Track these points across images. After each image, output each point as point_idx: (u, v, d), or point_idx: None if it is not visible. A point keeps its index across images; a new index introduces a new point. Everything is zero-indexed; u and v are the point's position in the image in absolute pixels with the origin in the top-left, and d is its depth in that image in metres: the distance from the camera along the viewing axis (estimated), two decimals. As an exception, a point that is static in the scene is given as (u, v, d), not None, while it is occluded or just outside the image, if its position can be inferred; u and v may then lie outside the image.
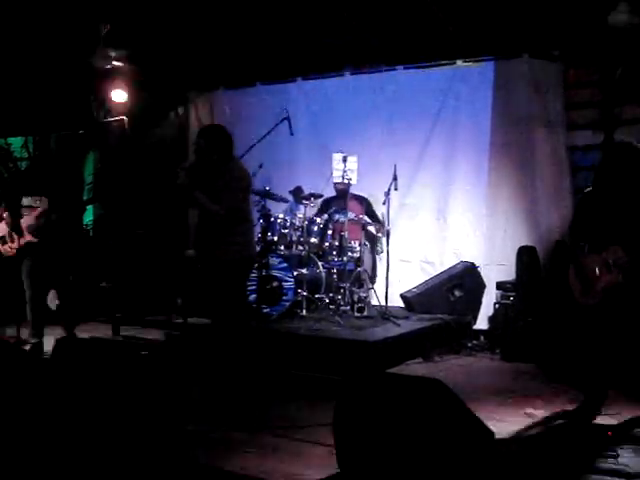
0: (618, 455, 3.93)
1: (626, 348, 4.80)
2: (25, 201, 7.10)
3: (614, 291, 4.61)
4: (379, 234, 8.33)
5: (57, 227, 7.14)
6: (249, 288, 6.46)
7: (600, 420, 4.74)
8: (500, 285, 7.73)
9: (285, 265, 7.43)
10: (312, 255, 7.73)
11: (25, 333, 6.94)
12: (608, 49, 7.75)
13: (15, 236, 6.99)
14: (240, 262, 5.44)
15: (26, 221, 7.02)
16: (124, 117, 9.88)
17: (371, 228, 8.39)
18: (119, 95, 9.56)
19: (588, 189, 4.94)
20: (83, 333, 7.54)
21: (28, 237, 7.00)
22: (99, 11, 8.12)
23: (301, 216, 7.85)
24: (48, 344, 6.02)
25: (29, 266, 7.04)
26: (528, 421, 4.84)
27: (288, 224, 7.78)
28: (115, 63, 8.97)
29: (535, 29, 7.96)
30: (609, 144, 5.76)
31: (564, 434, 4.57)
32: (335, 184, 8.29)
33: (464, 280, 8.00)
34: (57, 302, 7.72)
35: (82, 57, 8.80)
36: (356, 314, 7.54)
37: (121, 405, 3.81)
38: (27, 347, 6.76)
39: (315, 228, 7.83)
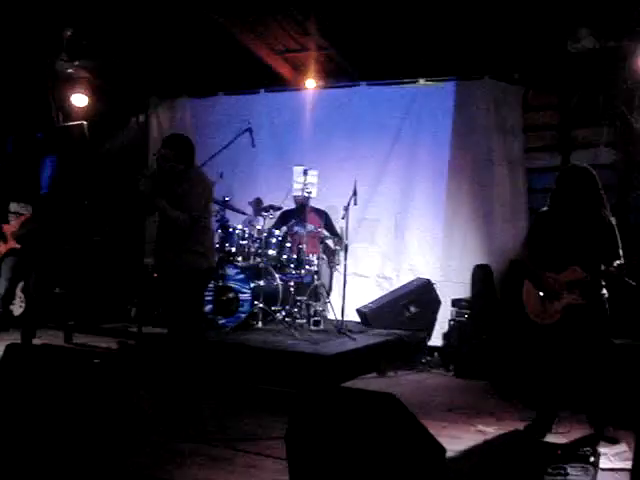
0: (567, 474, 3.98)
1: (579, 367, 4.87)
2: (12, 207, 7.13)
3: (573, 311, 4.68)
4: (337, 247, 8.36)
5: (37, 234, 7.16)
6: (206, 298, 6.40)
7: (550, 438, 4.80)
8: (455, 302, 7.80)
9: (242, 276, 7.41)
10: (270, 267, 7.71)
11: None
12: (567, 73, 7.92)
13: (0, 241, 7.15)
14: (199, 272, 5.39)
15: (11, 227, 7.05)
16: (84, 122, 9.77)
17: (329, 242, 8.41)
18: (79, 99, 9.46)
19: (543, 209, 5.02)
20: (34, 340, 7.44)
21: (11, 243, 7.15)
22: (62, 15, 8.03)
23: (260, 228, 7.83)
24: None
25: (9, 269, 7.15)
26: (480, 438, 4.88)
27: (246, 235, 7.76)
28: (76, 67, 8.88)
29: (496, 51, 8.10)
30: (564, 167, 5.88)
31: (514, 451, 4.61)
32: (295, 197, 8.30)
33: (420, 296, 8.06)
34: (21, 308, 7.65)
35: (43, 60, 8.70)
36: (312, 327, 7.54)
37: (70, 413, 3.75)
38: None
39: (273, 240, 7.81)
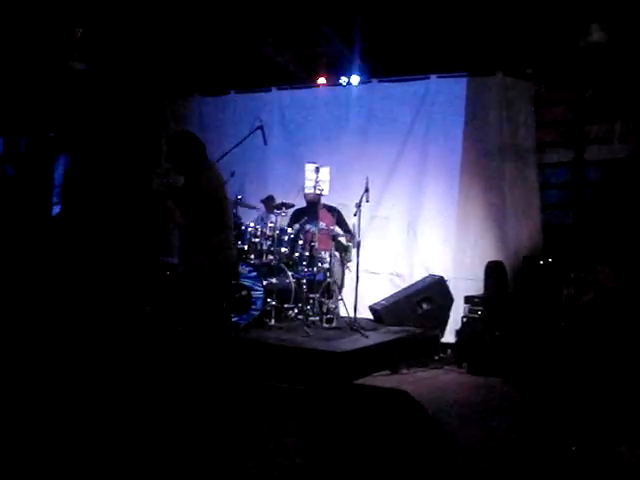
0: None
1: (599, 363, 4.84)
2: None
3: (597, 307, 4.65)
4: (349, 243, 8.35)
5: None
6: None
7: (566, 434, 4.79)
8: (468, 299, 7.78)
9: (255, 274, 7.40)
10: (282, 265, 7.71)
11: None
12: (579, 69, 7.88)
13: None
14: (207, 273, 5.33)
15: None
16: (97, 121, 9.81)
17: (342, 239, 8.40)
18: (93, 99, 9.50)
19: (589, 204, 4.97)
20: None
21: None
22: (75, 14, 8.06)
23: (272, 225, 7.83)
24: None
25: None
26: (493, 434, 4.87)
27: (259, 233, 7.76)
28: (88, 67, 8.91)
29: (508, 47, 8.07)
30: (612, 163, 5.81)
31: (529, 448, 4.60)
32: (306, 194, 8.29)
33: (433, 293, 8.04)
34: None
35: (55, 60, 8.73)
36: (325, 325, 7.53)
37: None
38: None
39: (286, 238, 7.81)
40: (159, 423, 4.76)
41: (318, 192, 7.92)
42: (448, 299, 8.09)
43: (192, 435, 4.57)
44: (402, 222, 8.74)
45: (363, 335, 7.10)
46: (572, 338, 4.75)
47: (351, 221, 8.20)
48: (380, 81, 8.99)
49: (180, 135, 5.56)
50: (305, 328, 7.10)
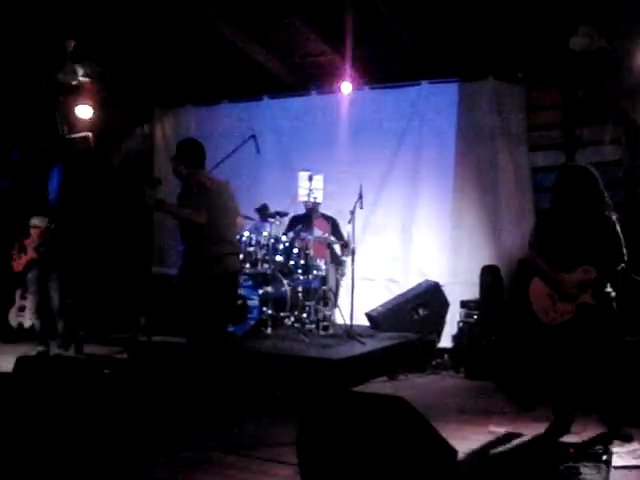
0: (580, 472, 3.97)
1: (591, 366, 4.84)
2: (33, 221, 7.71)
3: (585, 310, 4.65)
4: (343, 256, 8.33)
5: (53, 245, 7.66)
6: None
7: (564, 437, 4.79)
8: (464, 304, 7.79)
9: (250, 283, 7.40)
10: (277, 273, 7.70)
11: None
12: (570, 72, 7.91)
13: (21, 254, 7.64)
14: (194, 280, 5.36)
15: (31, 240, 7.62)
16: (89, 133, 9.80)
17: (336, 247, 8.40)
18: (84, 111, 9.48)
19: (546, 208, 5.02)
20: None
21: (30, 254, 7.58)
22: (66, 26, 8.06)
23: (266, 234, 7.82)
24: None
25: (35, 279, 7.63)
26: (491, 439, 4.87)
27: (254, 242, 7.75)
28: (81, 79, 8.91)
29: (499, 51, 8.09)
30: (564, 167, 5.85)
31: (526, 451, 4.60)
32: (305, 202, 8.29)
33: (428, 299, 8.05)
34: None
35: (48, 72, 8.73)
36: (321, 332, 7.53)
37: (82, 424, 3.76)
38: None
39: (281, 246, 7.81)
40: (157, 431, 4.76)
41: (312, 200, 7.94)
42: (444, 304, 8.10)
43: (190, 444, 4.56)
44: (397, 228, 8.75)
45: (360, 342, 7.10)
46: (567, 340, 4.75)
47: (346, 228, 8.20)
48: (372, 88, 9.02)
49: (178, 143, 5.66)
50: (301, 336, 7.10)
